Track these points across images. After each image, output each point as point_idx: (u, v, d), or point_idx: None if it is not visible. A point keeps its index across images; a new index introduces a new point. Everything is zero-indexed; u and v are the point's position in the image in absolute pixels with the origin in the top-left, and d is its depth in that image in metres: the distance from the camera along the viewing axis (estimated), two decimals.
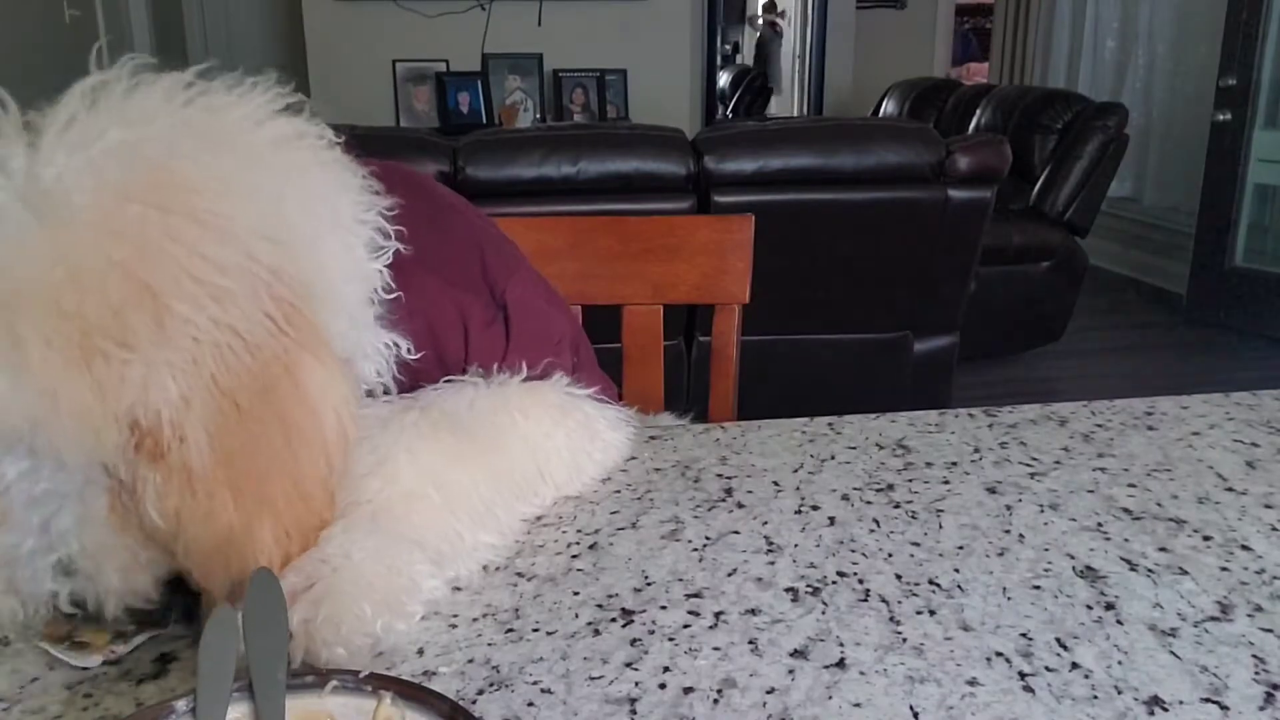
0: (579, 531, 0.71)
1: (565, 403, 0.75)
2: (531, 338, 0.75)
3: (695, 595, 0.62)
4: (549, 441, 0.73)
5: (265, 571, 0.49)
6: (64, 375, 0.45)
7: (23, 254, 0.46)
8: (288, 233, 0.54)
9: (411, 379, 0.69)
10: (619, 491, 0.77)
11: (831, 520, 0.72)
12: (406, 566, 0.58)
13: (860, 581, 0.64)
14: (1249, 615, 0.59)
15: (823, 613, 0.60)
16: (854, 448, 0.85)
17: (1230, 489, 0.77)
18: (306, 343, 0.52)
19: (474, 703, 0.52)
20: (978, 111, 4.51)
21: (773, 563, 0.66)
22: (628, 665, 0.55)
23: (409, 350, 0.66)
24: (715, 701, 0.52)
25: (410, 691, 0.44)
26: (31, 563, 0.50)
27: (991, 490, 0.77)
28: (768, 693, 0.53)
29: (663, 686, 0.53)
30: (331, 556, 0.55)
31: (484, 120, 5.19)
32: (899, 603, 0.61)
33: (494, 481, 0.68)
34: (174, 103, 0.55)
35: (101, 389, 0.46)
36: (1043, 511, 0.74)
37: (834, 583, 0.64)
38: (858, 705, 0.52)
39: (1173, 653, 0.56)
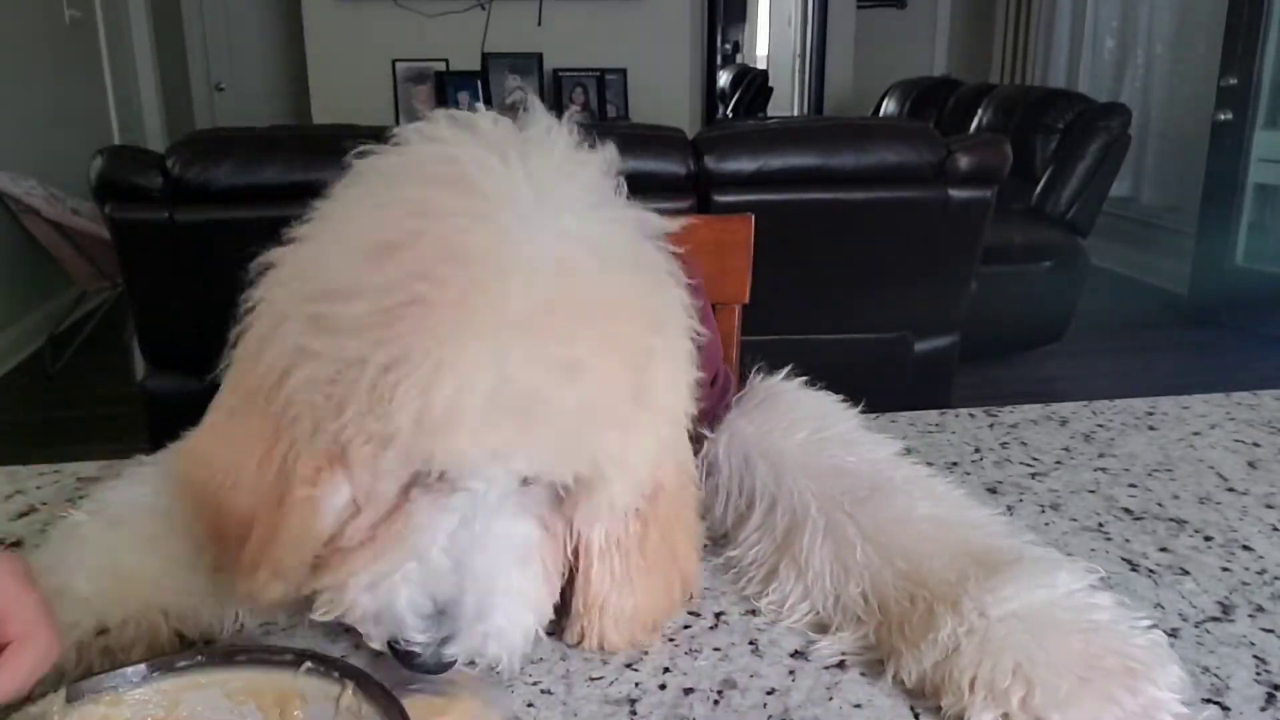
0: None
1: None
2: (712, 344, 0.71)
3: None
4: None
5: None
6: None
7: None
8: None
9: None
10: None
11: None
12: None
13: None
14: (1250, 616, 0.59)
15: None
16: None
17: (1231, 489, 0.77)
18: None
19: None
20: (979, 111, 4.50)
21: None
22: (627, 666, 0.55)
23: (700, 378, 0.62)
24: (715, 702, 0.52)
25: (369, 687, 0.45)
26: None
27: (992, 490, 0.77)
28: (768, 693, 0.53)
29: (663, 687, 0.53)
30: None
31: None
32: None
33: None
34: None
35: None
36: (1044, 512, 0.73)
37: None
38: (858, 706, 0.52)
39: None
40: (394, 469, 0.48)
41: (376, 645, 0.50)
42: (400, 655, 0.49)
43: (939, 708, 0.51)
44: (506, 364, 0.45)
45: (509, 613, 0.50)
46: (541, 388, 0.46)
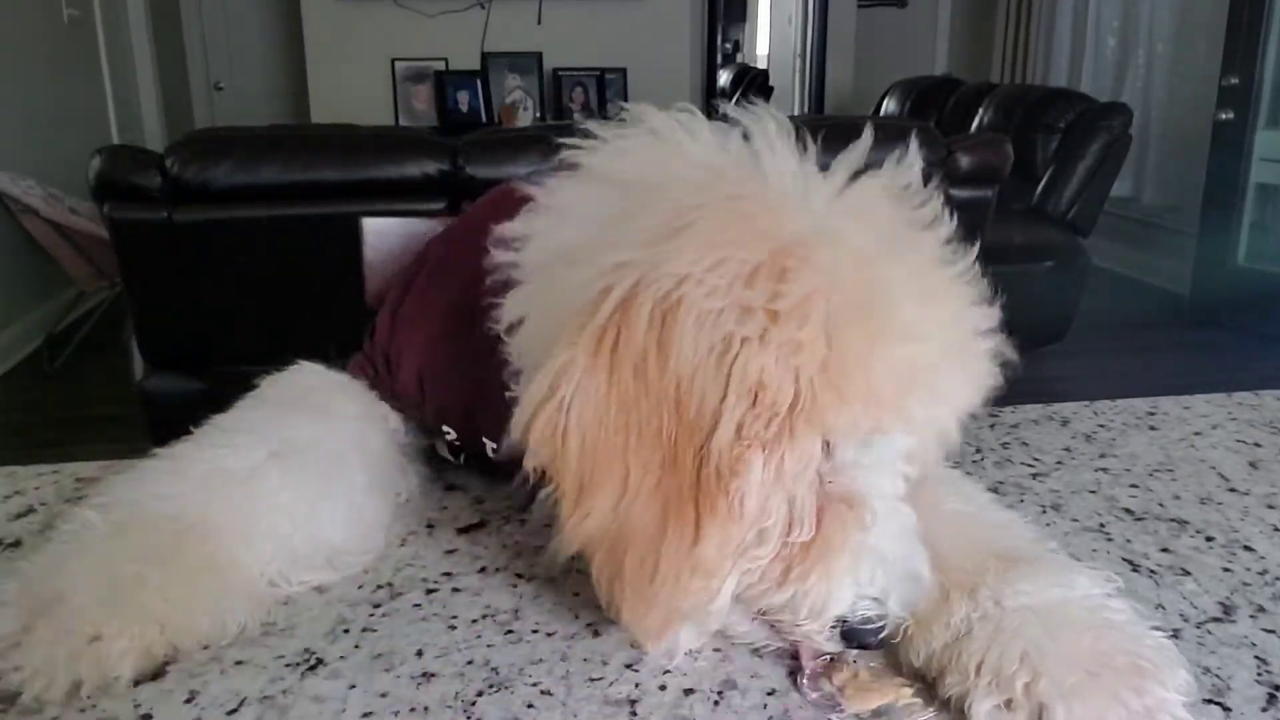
0: None
1: None
2: None
3: None
4: None
5: None
6: None
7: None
8: None
9: None
10: None
11: None
12: None
13: None
14: (1251, 616, 0.59)
15: None
16: None
17: (1233, 489, 0.77)
18: None
19: (473, 704, 0.52)
20: (979, 111, 4.50)
21: None
22: (627, 666, 0.55)
23: None
24: (715, 703, 0.52)
25: None
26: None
27: (994, 491, 0.77)
28: (768, 694, 0.52)
29: (663, 688, 0.53)
30: None
31: (483, 119, 5.19)
32: None
33: None
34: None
35: None
36: (1045, 512, 0.73)
37: None
38: None
39: None
40: (849, 431, 0.50)
41: (818, 636, 0.51)
42: (856, 633, 0.51)
43: (944, 700, 0.50)
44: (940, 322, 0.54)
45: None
46: (972, 343, 0.56)
